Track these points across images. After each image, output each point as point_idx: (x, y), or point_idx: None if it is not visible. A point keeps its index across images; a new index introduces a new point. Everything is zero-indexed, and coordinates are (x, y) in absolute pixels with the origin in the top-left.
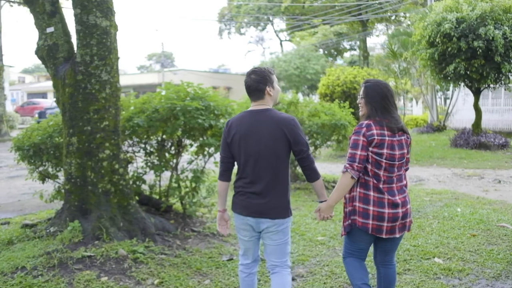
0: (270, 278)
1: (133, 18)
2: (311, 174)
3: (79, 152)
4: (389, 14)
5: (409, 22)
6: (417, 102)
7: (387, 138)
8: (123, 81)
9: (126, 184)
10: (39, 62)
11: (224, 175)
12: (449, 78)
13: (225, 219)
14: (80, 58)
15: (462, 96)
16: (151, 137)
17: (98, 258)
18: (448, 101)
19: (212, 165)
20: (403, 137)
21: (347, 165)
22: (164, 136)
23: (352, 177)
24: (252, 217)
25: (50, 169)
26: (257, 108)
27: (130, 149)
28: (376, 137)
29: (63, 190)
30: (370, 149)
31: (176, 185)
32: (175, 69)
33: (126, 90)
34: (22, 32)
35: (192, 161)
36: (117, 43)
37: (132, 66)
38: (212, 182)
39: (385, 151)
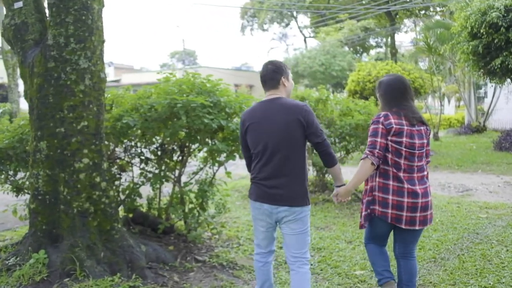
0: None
1: (156, 16)
2: (329, 160)
3: (48, 160)
4: (420, 4)
5: (438, 17)
6: (449, 101)
7: (405, 127)
8: (143, 78)
9: (109, 203)
10: None
11: (251, 167)
12: (494, 73)
13: None
14: (52, 40)
15: (505, 94)
16: (150, 141)
17: None
18: (483, 100)
19: (224, 175)
20: (422, 128)
21: (368, 152)
22: (168, 139)
23: (372, 163)
24: (268, 204)
25: (24, 179)
26: (269, 97)
27: (124, 154)
28: (394, 126)
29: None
30: (390, 138)
31: (178, 200)
32: (196, 67)
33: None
34: None
35: (200, 169)
36: (102, 22)
37: (155, 64)
38: (224, 197)
39: (404, 139)
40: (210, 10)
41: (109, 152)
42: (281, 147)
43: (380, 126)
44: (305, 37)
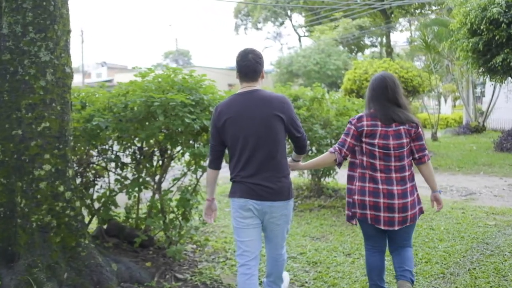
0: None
1: (149, 15)
2: (302, 150)
3: (3, 167)
4: (416, 1)
5: (433, 16)
6: (445, 101)
7: (379, 128)
8: (134, 78)
9: (75, 215)
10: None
11: (214, 163)
12: (495, 71)
13: (212, 209)
14: (7, 29)
15: (505, 93)
16: (129, 143)
17: None
18: (481, 99)
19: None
20: (401, 127)
21: (337, 148)
22: (146, 143)
23: (335, 160)
24: (255, 200)
25: None
26: (246, 89)
27: (97, 159)
28: (365, 128)
29: None
30: (363, 139)
31: (158, 209)
32: (190, 66)
33: None
34: None
35: (182, 175)
36: (68, 9)
37: (148, 64)
38: None
39: (377, 141)
40: (203, 6)
41: (84, 156)
42: (262, 143)
43: (352, 127)
44: (299, 36)
